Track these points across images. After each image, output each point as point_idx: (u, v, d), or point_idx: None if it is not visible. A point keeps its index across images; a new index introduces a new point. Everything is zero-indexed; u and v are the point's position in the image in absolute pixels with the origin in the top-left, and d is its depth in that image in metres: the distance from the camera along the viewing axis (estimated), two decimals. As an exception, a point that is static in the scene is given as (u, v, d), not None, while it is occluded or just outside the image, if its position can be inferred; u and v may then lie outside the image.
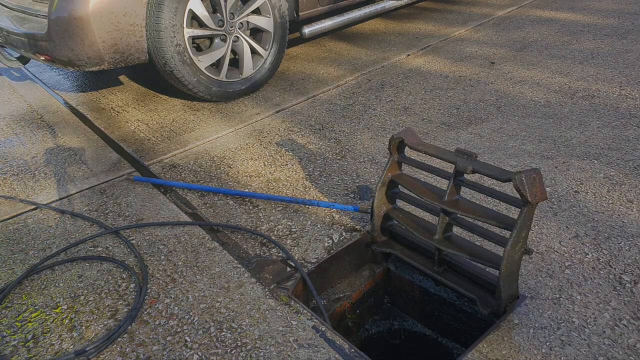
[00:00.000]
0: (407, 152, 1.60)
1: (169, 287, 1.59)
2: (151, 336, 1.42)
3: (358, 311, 1.75)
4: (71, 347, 1.41)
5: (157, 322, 1.47)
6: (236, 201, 2.03)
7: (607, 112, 2.47)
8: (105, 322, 1.48)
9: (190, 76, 2.77)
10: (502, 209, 1.80)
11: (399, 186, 1.63)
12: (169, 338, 1.41)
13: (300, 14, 3.27)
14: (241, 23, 2.96)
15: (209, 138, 2.60)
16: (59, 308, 1.55)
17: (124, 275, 1.66)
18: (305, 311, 1.46)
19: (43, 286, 1.64)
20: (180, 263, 1.69)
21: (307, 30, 3.34)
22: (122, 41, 2.56)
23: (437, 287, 1.62)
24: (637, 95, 2.61)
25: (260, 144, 2.48)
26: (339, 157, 2.30)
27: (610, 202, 1.81)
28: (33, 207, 2.08)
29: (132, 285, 1.61)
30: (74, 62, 2.54)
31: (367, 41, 4.00)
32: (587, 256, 1.58)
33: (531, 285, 1.48)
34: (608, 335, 1.31)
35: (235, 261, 1.67)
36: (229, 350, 1.35)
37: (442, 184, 1.97)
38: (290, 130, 2.60)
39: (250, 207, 1.97)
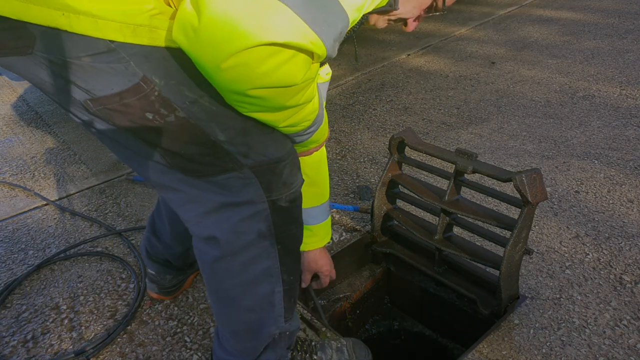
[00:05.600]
0: (408, 152, 1.60)
1: (169, 287, 1.59)
2: (150, 336, 1.42)
3: (358, 311, 1.74)
4: (70, 347, 1.40)
5: (156, 323, 1.46)
6: (236, 201, 2.02)
7: (608, 112, 2.46)
8: (104, 322, 1.47)
9: (190, 76, 2.76)
10: (502, 209, 1.80)
11: (399, 186, 1.62)
12: (168, 338, 1.41)
13: (300, 13, 3.26)
14: (241, 23, 2.95)
15: (208, 138, 2.59)
16: (59, 308, 1.54)
17: (124, 276, 1.66)
18: (305, 311, 1.46)
19: (43, 286, 1.64)
20: (180, 263, 1.69)
21: (307, 30, 3.33)
22: (121, 41, 2.55)
23: (437, 288, 1.61)
24: (637, 95, 2.60)
25: (260, 144, 2.48)
26: (339, 157, 2.30)
27: (611, 202, 1.81)
28: (34, 206, 2.08)
29: (132, 286, 1.61)
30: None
31: (367, 41, 4.00)
32: (588, 256, 1.57)
33: (531, 285, 1.48)
34: (608, 336, 1.31)
35: (235, 261, 1.67)
36: (228, 351, 1.35)
37: (443, 184, 1.96)
38: (290, 130, 2.60)
39: (250, 207, 1.97)
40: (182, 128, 0.81)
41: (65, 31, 0.70)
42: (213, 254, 0.96)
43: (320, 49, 0.70)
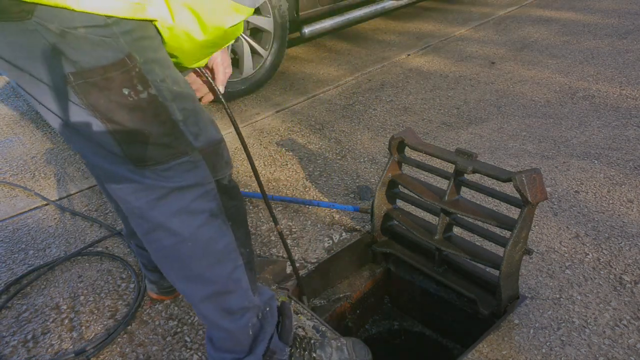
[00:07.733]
0: (408, 152, 1.60)
1: (169, 287, 1.59)
2: (150, 336, 1.42)
3: (358, 311, 1.74)
4: (71, 347, 1.40)
5: (156, 323, 1.47)
6: (236, 201, 2.02)
7: (608, 112, 2.46)
8: (105, 322, 1.47)
9: (190, 76, 2.77)
10: (502, 209, 1.80)
11: (399, 186, 1.62)
12: (168, 338, 1.41)
13: (300, 13, 3.27)
14: (241, 23, 2.95)
15: (209, 138, 2.59)
16: (59, 308, 1.55)
17: (124, 276, 1.66)
18: (305, 311, 1.46)
19: (43, 286, 1.64)
20: (180, 263, 1.69)
21: (307, 30, 3.33)
22: (122, 41, 2.55)
23: (437, 288, 1.61)
24: (637, 95, 2.60)
25: (260, 144, 2.48)
26: (339, 157, 2.30)
27: (611, 202, 1.81)
28: (34, 206, 2.08)
29: (132, 285, 1.61)
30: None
31: (367, 41, 4.00)
32: (588, 256, 1.58)
33: (531, 285, 1.48)
34: (608, 336, 1.31)
35: (235, 261, 1.67)
36: (228, 351, 1.35)
37: (443, 184, 1.96)
38: (291, 130, 2.60)
39: (250, 207, 1.97)
40: (151, 105, 0.88)
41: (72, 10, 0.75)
42: (171, 240, 0.99)
43: (250, 13, 0.90)
